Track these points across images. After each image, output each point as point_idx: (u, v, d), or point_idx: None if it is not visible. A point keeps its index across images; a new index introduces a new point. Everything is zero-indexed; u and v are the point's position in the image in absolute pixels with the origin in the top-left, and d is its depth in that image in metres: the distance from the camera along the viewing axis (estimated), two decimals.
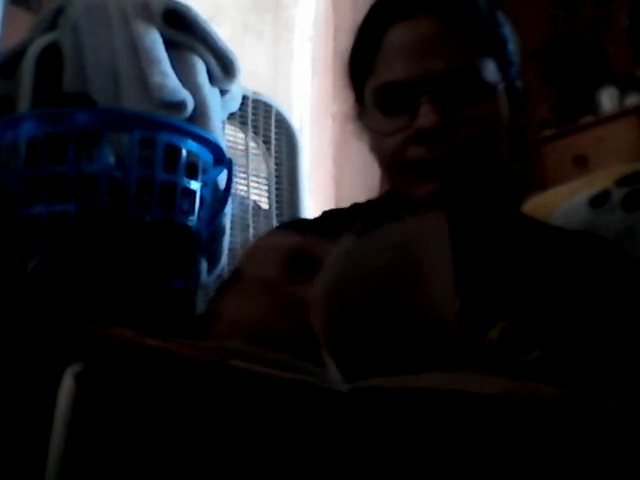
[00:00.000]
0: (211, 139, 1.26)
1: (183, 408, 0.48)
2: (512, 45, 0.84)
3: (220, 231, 1.41)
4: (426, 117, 0.77)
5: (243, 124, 1.65)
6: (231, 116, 1.59)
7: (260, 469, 0.46)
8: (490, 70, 0.80)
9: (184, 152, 1.19)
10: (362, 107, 0.86)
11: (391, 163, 0.82)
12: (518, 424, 0.42)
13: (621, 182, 1.03)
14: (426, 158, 0.78)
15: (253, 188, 1.65)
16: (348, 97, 0.88)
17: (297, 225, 0.94)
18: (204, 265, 1.33)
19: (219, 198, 1.34)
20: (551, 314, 0.76)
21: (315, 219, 0.95)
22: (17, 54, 1.40)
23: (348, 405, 0.44)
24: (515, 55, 0.85)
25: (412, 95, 0.78)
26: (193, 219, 1.22)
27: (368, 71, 0.83)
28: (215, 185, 1.34)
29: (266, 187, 1.68)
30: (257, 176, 1.67)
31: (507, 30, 0.85)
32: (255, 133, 1.67)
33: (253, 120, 1.66)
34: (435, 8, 0.80)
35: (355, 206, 0.94)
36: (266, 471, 0.46)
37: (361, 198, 0.96)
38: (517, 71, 0.85)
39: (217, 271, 1.37)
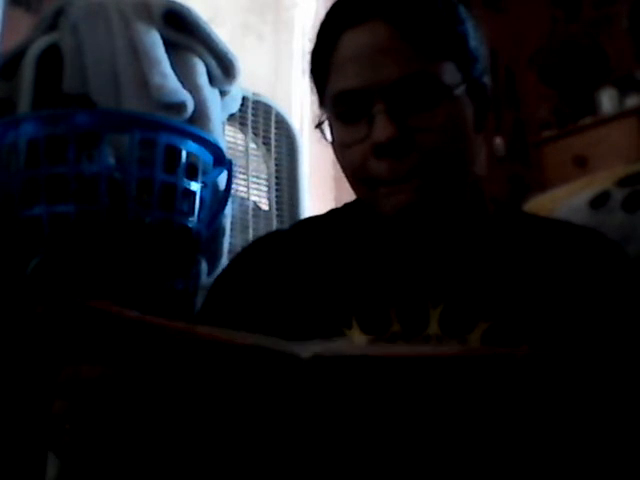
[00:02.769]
0: (211, 140, 1.26)
1: (178, 404, 0.49)
2: (475, 41, 0.80)
3: (220, 232, 1.41)
4: (381, 130, 0.74)
5: (243, 125, 1.65)
6: (231, 117, 1.59)
7: (234, 436, 0.48)
8: (448, 72, 0.77)
9: (184, 153, 1.19)
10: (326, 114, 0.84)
11: (355, 177, 0.80)
12: (470, 377, 0.45)
13: (621, 183, 1.03)
14: (389, 175, 0.76)
15: (253, 189, 1.65)
16: (315, 103, 0.86)
17: (272, 238, 0.92)
18: (204, 266, 1.33)
19: (219, 199, 1.34)
20: (534, 314, 0.76)
21: (290, 229, 0.93)
22: (17, 55, 1.40)
23: (309, 370, 0.45)
24: (479, 51, 0.81)
25: (367, 103, 0.76)
26: (193, 220, 1.22)
27: (325, 80, 0.81)
28: (215, 186, 1.34)
29: (266, 188, 1.68)
30: (257, 177, 1.67)
31: (468, 27, 0.80)
32: (255, 134, 1.67)
33: (253, 121, 1.66)
34: (386, 13, 0.76)
35: (332, 212, 0.92)
36: (239, 435, 0.48)
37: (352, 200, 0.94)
38: (482, 67, 0.81)
39: (217, 272, 1.37)
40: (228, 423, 0.49)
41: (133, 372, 0.51)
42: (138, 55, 1.31)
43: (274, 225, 1.62)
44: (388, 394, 0.46)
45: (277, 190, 1.67)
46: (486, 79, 0.82)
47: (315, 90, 0.85)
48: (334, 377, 0.46)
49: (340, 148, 0.81)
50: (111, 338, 0.51)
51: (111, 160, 1.17)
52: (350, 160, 0.79)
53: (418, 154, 0.75)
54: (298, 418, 0.46)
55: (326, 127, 0.83)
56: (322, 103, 0.84)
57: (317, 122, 0.83)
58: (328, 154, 0.85)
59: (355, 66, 0.77)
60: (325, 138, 0.83)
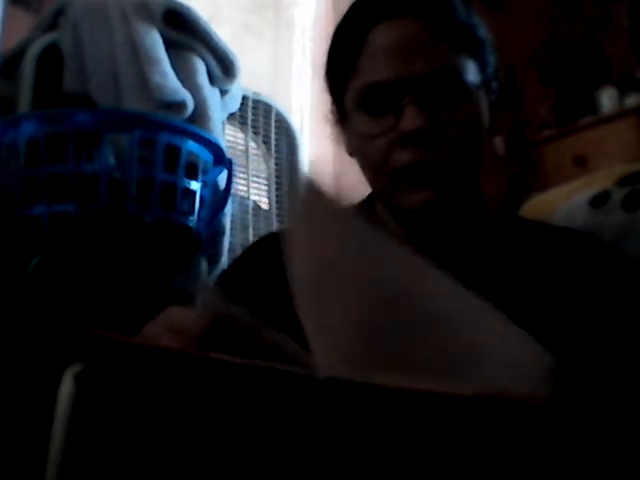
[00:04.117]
0: (211, 139, 1.26)
1: (180, 405, 0.49)
2: (489, 47, 0.84)
3: (220, 231, 1.41)
4: (411, 119, 0.76)
5: (243, 124, 1.65)
6: (231, 116, 1.59)
7: (247, 460, 0.47)
8: (471, 71, 0.80)
9: (184, 152, 1.19)
10: (342, 110, 0.85)
11: (378, 169, 0.81)
12: (487, 421, 0.43)
13: (621, 182, 1.03)
14: (414, 162, 0.77)
15: (253, 188, 1.65)
16: (326, 101, 0.87)
17: (273, 239, 0.93)
18: (204, 265, 1.33)
19: (219, 198, 1.34)
20: (535, 316, 0.76)
21: None
22: (17, 54, 1.40)
23: (323, 392, 0.45)
24: (492, 56, 0.84)
25: (396, 96, 0.77)
26: (193, 219, 1.22)
27: (350, 72, 0.82)
28: (215, 185, 1.34)
29: (266, 187, 1.68)
30: (257, 176, 1.67)
31: (483, 32, 0.84)
32: (255, 133, 1.67)
33: (253, 120, 1.66)
34: (417, 10, 0.79)
35: None
36: (252, 459, 0.47)
37: (361, 198, 0.95)
38: (493, 72, 0.84)
39: (217, 271, 1.37)
40: (238, 445, 0.48)
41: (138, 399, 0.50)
42: (138, 54, 1.31)
43: (274, 224, 1.63)
44: (393, 427, 0.45)
45: (277, 189, 1.67)
46: (494, 85, 0.84)
47: (330, 87, 0.86)
48: (344, 401, 0.45)
49: (362, 141, 0.82)
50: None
51: (111, 159, 1.18)
52: (373, 152, 0.80)
53: (447, 147, 0.77)
54: (308, 441, 0.45)
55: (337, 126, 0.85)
56: (339, 99, 0.85)
57: (338, 118, 0.85)
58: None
59: (386, 59, 0.78)
60: (345, 133, 0.85)
